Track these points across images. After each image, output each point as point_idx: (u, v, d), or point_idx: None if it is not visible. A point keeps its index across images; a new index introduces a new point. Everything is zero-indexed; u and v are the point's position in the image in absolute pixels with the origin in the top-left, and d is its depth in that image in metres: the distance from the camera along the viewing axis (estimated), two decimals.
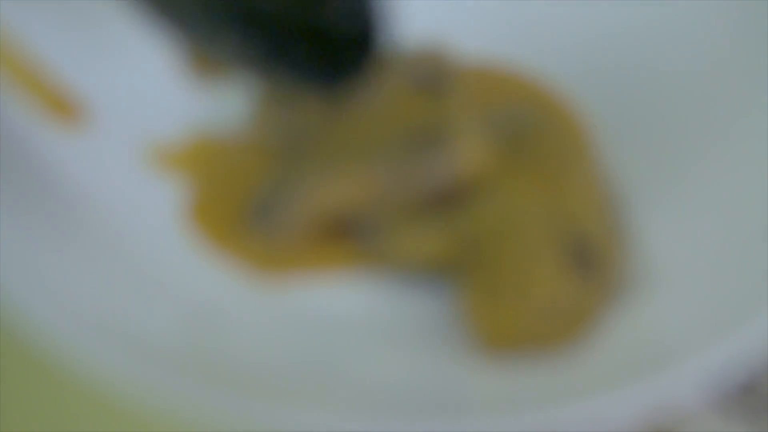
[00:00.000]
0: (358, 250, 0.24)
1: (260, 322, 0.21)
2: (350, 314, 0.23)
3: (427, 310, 0.23)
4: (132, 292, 0.20)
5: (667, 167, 0.25)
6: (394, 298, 0.23)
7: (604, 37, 0.29)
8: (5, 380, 0.21)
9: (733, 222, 0.22)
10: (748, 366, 0.22)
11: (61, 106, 0.23)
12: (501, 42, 0.29)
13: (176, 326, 0.21)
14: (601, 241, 0.21)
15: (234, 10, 0.17)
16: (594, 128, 0.27)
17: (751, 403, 0.22)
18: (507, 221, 0.22)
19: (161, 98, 0.25)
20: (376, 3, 0.17)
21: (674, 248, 0.23)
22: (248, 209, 0.24)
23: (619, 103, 0.27)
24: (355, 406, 0.19)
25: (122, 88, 0.24)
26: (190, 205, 0.23)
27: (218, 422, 0.17)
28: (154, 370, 0.17)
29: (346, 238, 0.24)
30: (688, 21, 0.27)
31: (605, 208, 0.23)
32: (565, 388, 0.19)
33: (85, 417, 0.21)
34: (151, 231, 0.22)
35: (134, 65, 0.25)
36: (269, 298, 0.22)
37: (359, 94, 0.24)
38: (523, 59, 0.29)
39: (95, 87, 0.23)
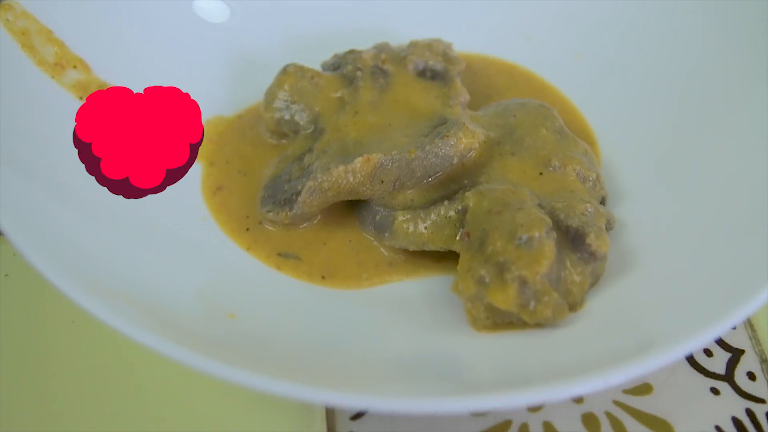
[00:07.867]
0: (370, 231, 0.25)
1: (277, 292, 0.22)
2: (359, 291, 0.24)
3: (427, 288, 0.23)
4: (158, 260, 0.22)
5: (656, 161, 0.26)
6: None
7: (598, 33, 0.29)
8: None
9: (715, 213, 0.23)
10: (728, 349, 0.22)
11: None
12: (496, 41, 0.30)
13: (198, 293, 0.21)
14: (588, 225, 0.22)
15: None
16: (585, 117, 0.27)
17: (731, 385, 0.22)
18: (499, 204, 0.22)
19: (188, 88, 0.26)
20: None
21: (659, 236, 0.23)
22: (263, 190, 0.25)
23: (609, 94, 0.28)
24: (360, 378, 0.19)
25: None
26: (207, 185, 0.25)
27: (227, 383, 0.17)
28: (176, 335, 0.18)
29: (357, 218, 0.25)
30: (684, 19, 0.27)
31: (593, 195, 0.24)
32: (551, 367, 0.19)
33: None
34: (177, 204, 0.24)
35: (167, 65, 0.27)
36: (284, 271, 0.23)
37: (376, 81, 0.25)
38: (518, 57, 0.30)
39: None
